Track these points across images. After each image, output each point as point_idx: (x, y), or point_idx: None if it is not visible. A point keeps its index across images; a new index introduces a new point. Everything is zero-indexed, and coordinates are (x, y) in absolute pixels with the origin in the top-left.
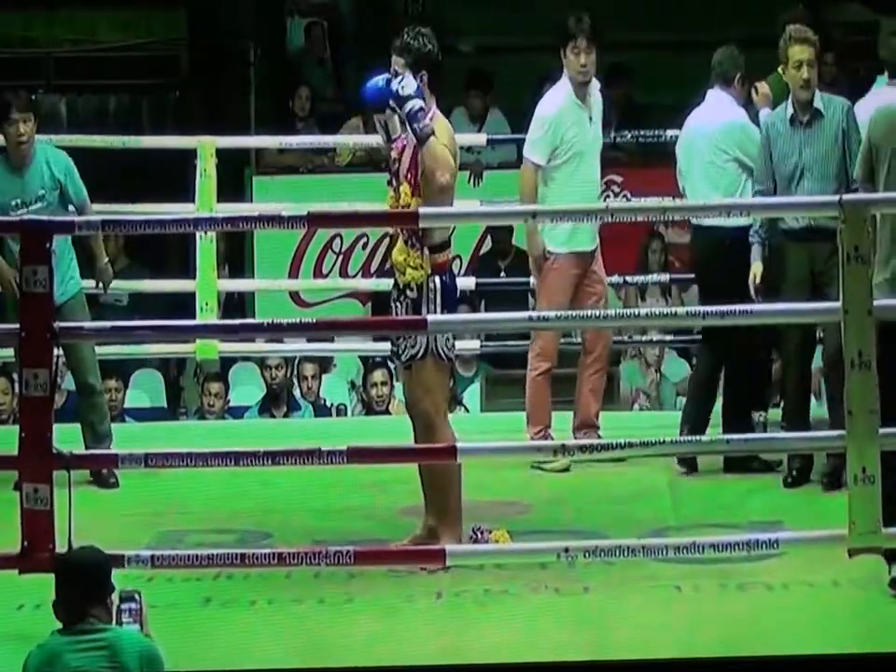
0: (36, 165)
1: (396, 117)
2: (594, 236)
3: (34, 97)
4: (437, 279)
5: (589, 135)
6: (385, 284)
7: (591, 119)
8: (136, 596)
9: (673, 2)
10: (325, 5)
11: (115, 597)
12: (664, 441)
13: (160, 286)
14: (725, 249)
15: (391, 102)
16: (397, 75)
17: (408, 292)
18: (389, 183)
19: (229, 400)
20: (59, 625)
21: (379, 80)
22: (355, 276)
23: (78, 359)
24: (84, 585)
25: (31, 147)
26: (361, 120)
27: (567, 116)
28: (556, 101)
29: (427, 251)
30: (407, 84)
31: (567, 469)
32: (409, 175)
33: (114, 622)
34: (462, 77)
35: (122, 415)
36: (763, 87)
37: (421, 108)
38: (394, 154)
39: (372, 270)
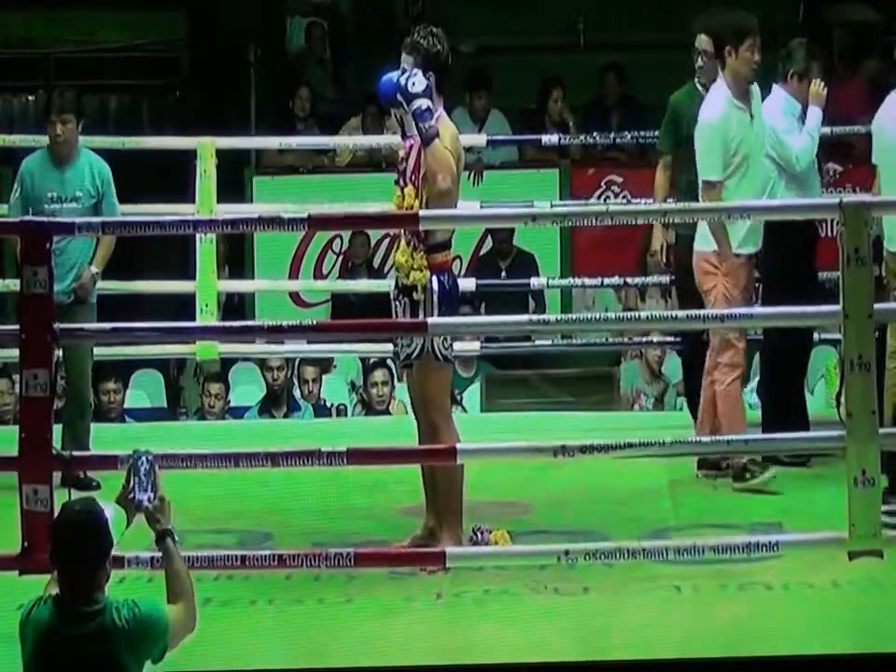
0: (79, 167)
1: (410, 114)
2: (759, 240)
3: (77, 97)
4: (434, 279)
5: (752, 136)
6: (383, 285)
7: (752, 116)
8: (144, 460)
9: (673, 2)
10: (325, 5)
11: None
12: (664, 443)
13: (159, 287)
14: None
15: (398, 97)
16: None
17: (413, 294)
18: (397, 183)
19: (229, 401)
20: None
21: (394, 75)
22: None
23: (78, 370)
24: (89, 559)
25: (71, 147)
26: (360, 121)
27: (731, 121)
28: (717, 108)
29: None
30: (417, 81)
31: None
32: (413, 177)
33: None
34: (462, 77)
35: (122, 415)
36: (814, 85)
37: (428, 108)
38: (402, 154)
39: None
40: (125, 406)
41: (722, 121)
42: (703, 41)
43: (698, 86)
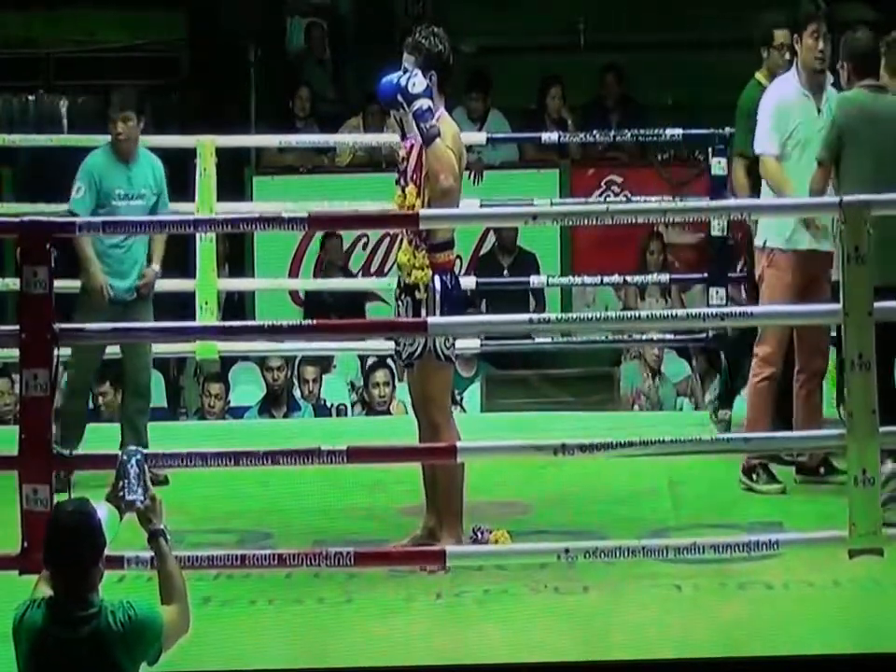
0: (142, 165)
1: (411, 114)
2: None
3: (140, 95)
4: (437, 279)
5: (815, 128)
6: (384, 283)
7: (819, 110)
8: (134, 460)
9: (673, 2)
10: (325, 5)
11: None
12: (664, 441)
13: (159, 285)
14: None
15: (399, 97)
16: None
17: (416, 293)
18: (398, 182)
19: (229, 401)
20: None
21: (394, 77)
22: (355, 276)
23: (139, 366)
24: (83, 560)
25: (133, 144)
26: (361, 120)
27: (793, 106)
28: (780, 91)
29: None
30: (417, 82)
31: (784, 492)
32: (414, 177)
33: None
34: (462, 77)
35: None
36: None
37: (429, 108)
38: (402, 153)
39: (373, 270)
40: None
41: (781, 101)
42: (781, 36)
43: (762, 81)
